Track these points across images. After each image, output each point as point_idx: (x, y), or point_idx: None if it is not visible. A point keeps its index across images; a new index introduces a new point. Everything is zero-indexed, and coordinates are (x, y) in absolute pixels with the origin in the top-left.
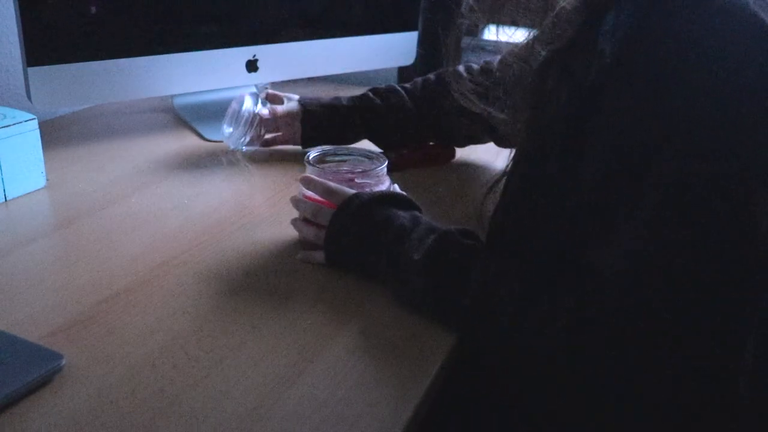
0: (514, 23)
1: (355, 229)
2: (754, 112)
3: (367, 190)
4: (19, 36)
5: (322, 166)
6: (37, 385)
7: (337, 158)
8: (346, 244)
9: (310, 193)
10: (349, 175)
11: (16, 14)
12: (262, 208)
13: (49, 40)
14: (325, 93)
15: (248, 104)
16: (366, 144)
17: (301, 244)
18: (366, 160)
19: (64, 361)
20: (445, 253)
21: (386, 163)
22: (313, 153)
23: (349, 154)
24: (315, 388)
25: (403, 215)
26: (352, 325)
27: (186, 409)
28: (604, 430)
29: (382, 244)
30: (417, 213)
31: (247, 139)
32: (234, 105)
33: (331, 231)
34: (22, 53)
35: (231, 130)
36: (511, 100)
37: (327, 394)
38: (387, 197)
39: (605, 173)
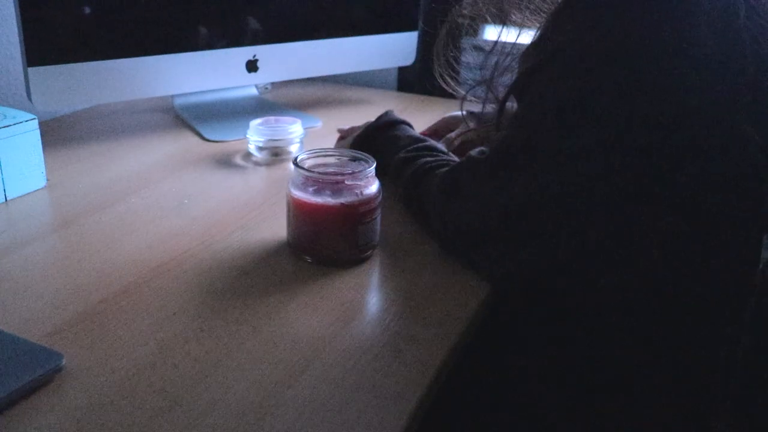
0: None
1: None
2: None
3: (357, 192)
4: (19, 36)
5: (310, 168)
6: (37, 385)
7: (325, 160)
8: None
9: (299, 195)
10: (338, 177)
11: (16, 14)
12: (262, 208)
13: (49, 40)
14: (326, 93)
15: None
16: None
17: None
18: (354, 161)
19: (64, 361)
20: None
21: (375, 164)
22: (301, 155)
23: (338, 156)
24: (315, 388)
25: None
26: (352, 326)
27: (186, 409)
28: (600, 429)
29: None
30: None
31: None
32: (285, 136)
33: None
34: (22, 53)
35: (264, 139)
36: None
37: (327, 395)
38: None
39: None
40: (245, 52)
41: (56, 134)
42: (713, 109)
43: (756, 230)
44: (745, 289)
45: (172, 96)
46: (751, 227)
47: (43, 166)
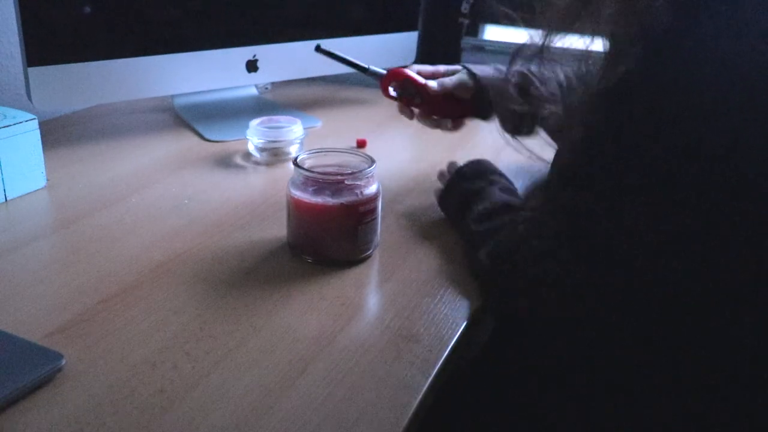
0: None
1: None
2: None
3: (357, 192)
4: (19, 36)
5: (310, 167)
6: (37, 385)
7: (325, 160)
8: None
9: (299, 195)
10: (338, 177)
11: (16, 14)
12: (262, 208)
13: (49, 40)
14: (326, 93)
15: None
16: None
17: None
18: (355, 161)
19: (64, 361)
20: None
21: (375, 165)
22: (301, 155)
23: (338, 156)
24: (314, 388)
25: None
26: (352, 326)
27: (186, 409)
28: (600, 429)
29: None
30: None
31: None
32: (285, 137)
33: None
34: (22, 53)
35: (264, 139)
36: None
37: (327, 394)
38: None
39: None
40: (245, 52)
41: (56, 134)
42: (718, 109)
43: (757, 230)
44: (745, 289)
45: (172, 96)
46: (751, 227)
47: (43, 166)
